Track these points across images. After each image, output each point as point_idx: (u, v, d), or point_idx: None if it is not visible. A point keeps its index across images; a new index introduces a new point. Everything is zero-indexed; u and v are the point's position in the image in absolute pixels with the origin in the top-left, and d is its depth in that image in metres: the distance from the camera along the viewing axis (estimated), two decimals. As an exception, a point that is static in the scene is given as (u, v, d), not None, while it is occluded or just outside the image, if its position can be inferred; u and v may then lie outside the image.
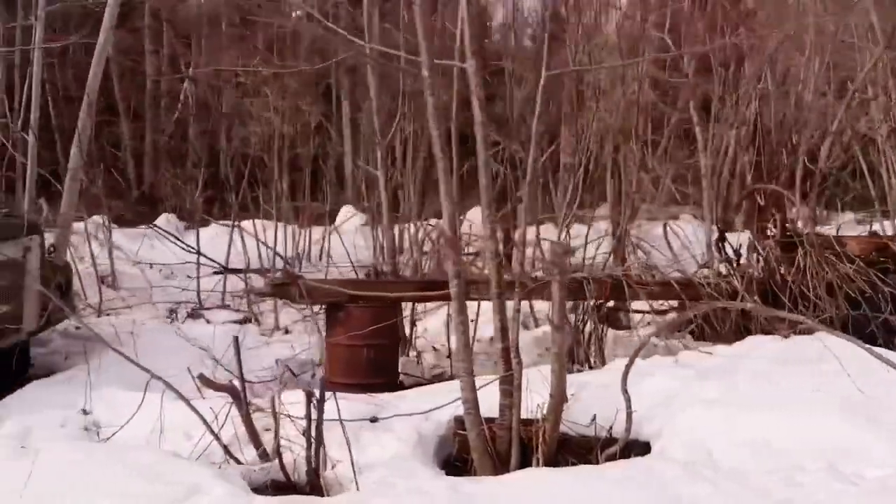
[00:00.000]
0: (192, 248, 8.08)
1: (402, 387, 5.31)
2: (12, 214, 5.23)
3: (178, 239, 8.50)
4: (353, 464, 3.62)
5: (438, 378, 5.73)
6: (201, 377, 4.00)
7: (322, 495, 3.70)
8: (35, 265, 5.28)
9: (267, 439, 3.98)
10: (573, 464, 3.96)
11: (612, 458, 3.91)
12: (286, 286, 5.18)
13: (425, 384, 5.48)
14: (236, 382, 4.02)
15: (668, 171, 7.01)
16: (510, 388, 3.97)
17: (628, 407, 3.90)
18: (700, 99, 7.60)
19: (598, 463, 3.93)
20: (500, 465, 3.90)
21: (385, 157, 6.38)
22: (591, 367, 5.98)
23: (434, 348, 6.09)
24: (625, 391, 3.91)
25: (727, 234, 6.92)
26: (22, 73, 8.94)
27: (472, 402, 3.84)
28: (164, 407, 4.26)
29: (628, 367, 3.92)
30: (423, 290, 5.32)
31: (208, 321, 7.08)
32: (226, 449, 4.00)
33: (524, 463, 3.91)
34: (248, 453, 4.05)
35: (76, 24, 10.71)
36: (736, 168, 7.01)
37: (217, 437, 4.01)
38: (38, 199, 7.21)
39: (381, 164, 6.39)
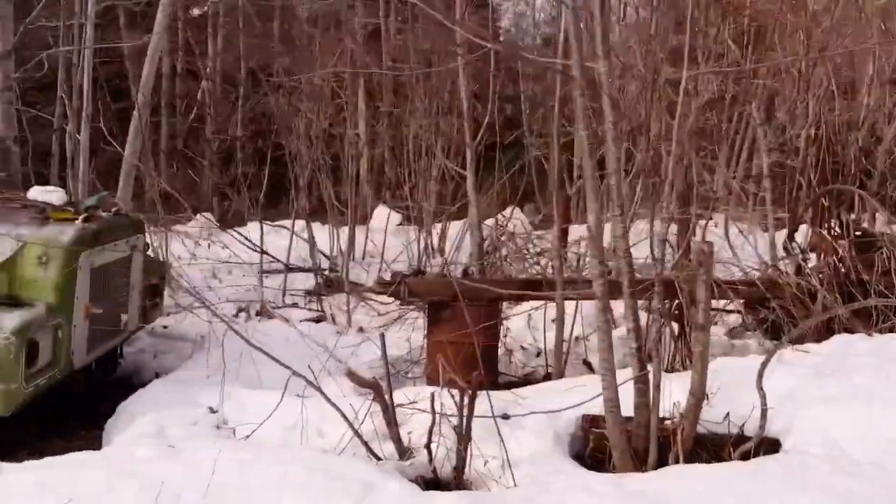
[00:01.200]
0: (256, 246, 8.12)
1: (501, 386, 5.37)
2: (122, 213, 5.25)
3: (247, 238, 8.54)
4: (507, 460, 3.69)
5: (531, 377, 5.81)
6: (349, 373, 4.06)
7: (467, 490, 3.79)
8: (139, 263, 5.32)
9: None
10: (706, 461, 4.04)
11: (746, 455, 3.99)
12: (393, 284, 5.25)
13: (519, 383, 5.56)
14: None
15: (735, 171, 7.11)
16: (645, 387, 4.04)
17: (763, 404, 3.98)
18: (764, 98, 7.69)
19: (729, 460, 4.01)
20: (638, 463, 3.97)
21: (473, 158, 6.44)
22: (673, 369, 6.06)
23: (522, 347, 6.16)
24: (760, 388, 3.99)
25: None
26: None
27: (614, 401, 3.91)
28: (291, 404, 4.33)
29: (764, 365, 4.01)
30: (524, 290, 5.39)
31: (287, 319, 7.10)
32: (366, 445, 4.07)
33: (661, 460, 3.99)
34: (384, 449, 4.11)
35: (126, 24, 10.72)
36: (804, 168, 7.08)
37: (357, 434, 4.07)
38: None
39: (470, 165, 6.44)
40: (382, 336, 4.17)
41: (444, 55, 8.19)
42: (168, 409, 4.39)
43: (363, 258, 10.90)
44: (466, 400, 3.74)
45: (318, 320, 7.37)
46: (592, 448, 4.16)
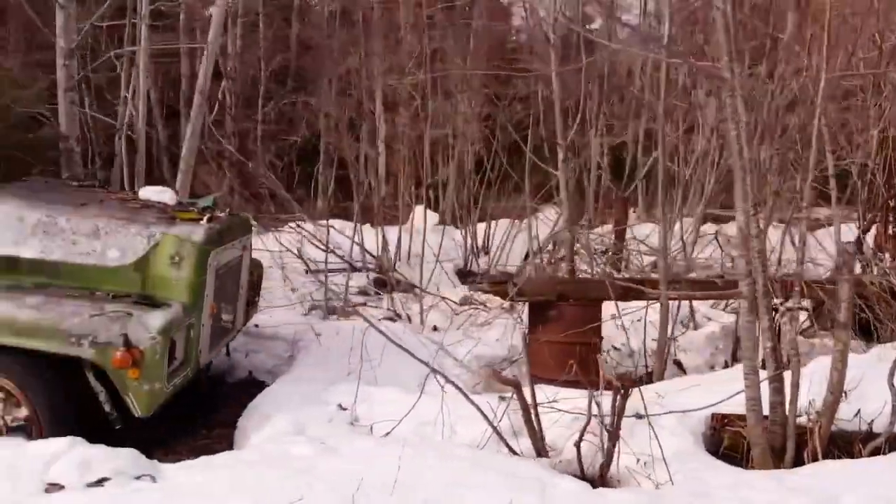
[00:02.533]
0: (332, 247, 8.16)
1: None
2: (235, 213, 5.28)
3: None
4: (663, 457, 3.76)
5: (626, 376, 5.86)
6: (492, 371, 4.13)
7: (613, 487, 3.85)
8: (247, 263, 5.36)
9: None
10: (838, 457, 4.12)
11: (876, 451, 4.08)
12: (501, 284, 5.31)
13: (615, 382, 5.61)
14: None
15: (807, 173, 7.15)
16: (781, 386, 4.12)
17: (895, 400, 4.07)
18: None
19: (860, 456, 4.10)
20: (776, 460, 4.05)
21: (565, 158, 6.50)
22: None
23: (614, 347, 6.22)
24: (892, 385, 4.07)
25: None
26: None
27: (756, 400, 3.98)
28: (422, 401, 4.39)
29: (896, 363, 4.09)
30: (628, 290, 5.45)
31: (365, 318, 7.13)
32: (506, 442, 4.13)
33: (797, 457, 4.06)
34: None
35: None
36: (875, 169, 7.17)
37: (497, 431, 4.14)
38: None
39: (562, 165, 6.50)
40: (525, 335, 4.23)
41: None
42: (300, 408, 4.43)
43: (408, 258, 10.98)
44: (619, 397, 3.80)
45: (392, 319, 7.42)
46: (726, 446, 4.22)
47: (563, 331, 5.21)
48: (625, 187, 9.59)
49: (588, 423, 3.84)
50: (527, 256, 9.49)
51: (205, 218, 4.66)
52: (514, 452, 4.09)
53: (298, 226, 8.37)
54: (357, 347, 5.47)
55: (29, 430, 4.08)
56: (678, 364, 6.00)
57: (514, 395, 4.10)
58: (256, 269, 5.80)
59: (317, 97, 16.61)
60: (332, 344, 5.81)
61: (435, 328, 7.33)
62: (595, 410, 3.94)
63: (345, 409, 4.52)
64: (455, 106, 10.62)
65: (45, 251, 4.33)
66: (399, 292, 8.40)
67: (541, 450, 4.11)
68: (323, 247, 8.23)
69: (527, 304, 5.61)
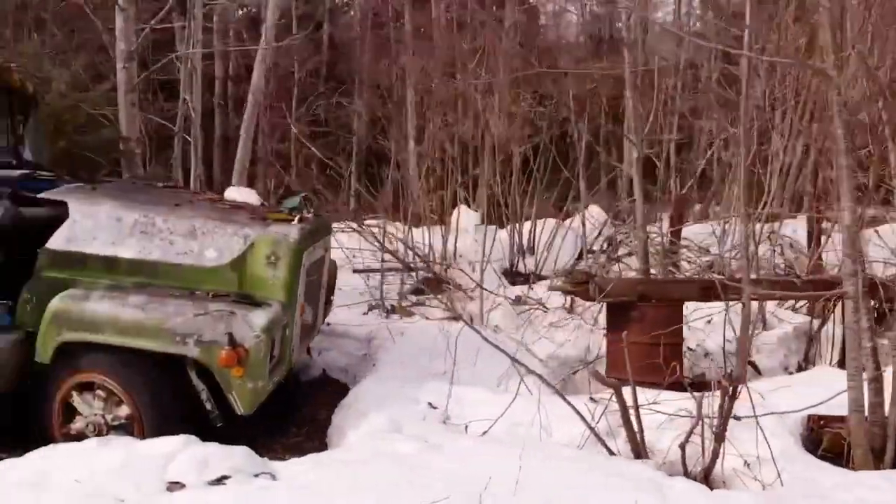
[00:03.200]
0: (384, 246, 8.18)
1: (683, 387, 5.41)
2: (318, 214, 5.32)
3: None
4: (772, 458, 3.74)
5: (702, 378, 5.84)
6: (595, 373, 4.12)
7: (718, 488, 3.84)
8: (327, 263, 5.40)
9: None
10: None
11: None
12: (583, 284, 5.30)
13: (692, 382, 5.59)
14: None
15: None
16: (881, 386, 4.08)
17: None
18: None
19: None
20: (875, 461, 4.02)
21: (639, 156, 6.49)
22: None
23: (689, 349, 6.19)
24: None
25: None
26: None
27: (859, 401, 3.96)
28: (501, 401, 4.41)
29: None
30: (708, 290, 5.43)
31: (427, 318, 7.18)
32: (603, 443, 4.13)
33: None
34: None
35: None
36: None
37: (594, 432, 4.14)
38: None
39: (636, 164, 6.49)
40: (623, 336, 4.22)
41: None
42: (392, 406, 4.46)
43: (455, 258, 11.01)
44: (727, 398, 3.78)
45: (454, 319, 7.43)
46: (825, 447, 4.20)
47: (645, 332, 5.18)
48: (680, 186, 9.55)
49: (696, 424, 3.83)
50: (580, 256, 9.49)
51: (296, 218, 4.70)
52: (612, 454, 4.09)
53: (365, 225, 8.39)
54: (432, 346, 5.57)
55: (130, 429, 4.15)
56: (753, 365, 5.97)
57: (613, 397, 4.10)
58: (332, 269, 5.84)
59: (359, 98, 16.69)
60: (405, 343, 5.84)
61: (496, 328, 7.33)
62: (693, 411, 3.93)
63: (435, 408, 4.54)
64: (502, 104, 10.64)
65: (143, 251, 4.37)
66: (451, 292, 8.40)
67: (640, 451, 4.10)
68: (406, 245, 8.26)
69: (604, 304, 5.58)
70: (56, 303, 4.10)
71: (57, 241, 4.35)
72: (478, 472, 3.35)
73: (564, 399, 4.18)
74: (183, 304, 4.10)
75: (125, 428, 4.16)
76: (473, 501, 3.03)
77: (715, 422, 3.89)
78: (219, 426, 4.13)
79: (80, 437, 4.20)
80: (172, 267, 4.38)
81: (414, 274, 8.90)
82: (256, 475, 3.39)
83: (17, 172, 4.86)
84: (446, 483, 3.28)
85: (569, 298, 7.33)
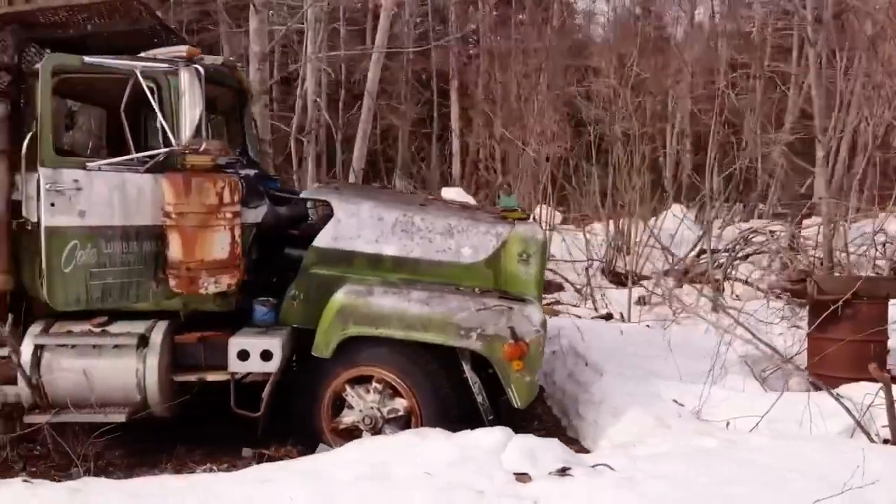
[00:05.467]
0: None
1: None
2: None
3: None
4: None
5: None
6: (874, 367, 4.20)
7: None
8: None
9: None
10: None
11: None
12: (801, 282, 5.36)
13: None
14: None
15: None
16: None
17: None
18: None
19: None
20: None
21: (826, 154, 6.55)
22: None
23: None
24: None
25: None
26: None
27: None
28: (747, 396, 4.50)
29: None
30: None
31: (579, 316, 7.25)
32: (868, 436, 4.21)
33: None
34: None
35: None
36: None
37: (860, 426, 4.22)
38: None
39: (821, 161, 6.56)
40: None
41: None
42: (643, 404, 4.51)
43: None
44: None
45: (606, 318, 7.52)
46: None
47: (857, 329, 5.24)
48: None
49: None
50: (700, 254, 9.57)
51: (531, 217, 4.78)
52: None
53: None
54: (632, 344, 5.65)
55: (405, 422, 4.23)
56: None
57: (882, 390, 4.18)
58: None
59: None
60: (602, 341, 5.92)
61: (648, 326, 7.41)
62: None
63: (681, 405, 4.61)
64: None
65: (404, 249, 4.46)
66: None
67: (899, 443, 4.18)
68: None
69: (809, 303, 5.63)
70: (341, 298, 4.17)
71: (324, 240, 4.43)
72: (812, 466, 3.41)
73: (833, 395, 4.26)
74: (464, 300, 4.18)
75: (398, 421, 4.25)
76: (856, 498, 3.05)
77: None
78: (496, 418, 4.21)
79: (349, 430, 4.30)
80: (432, 264, 4.46)
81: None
82: (593, 466, 3.45)
83: (252, 171, 4.93)
84: (786, 481, 3.32)
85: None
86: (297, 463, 3.68)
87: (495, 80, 13.69)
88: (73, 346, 4.16)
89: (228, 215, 3.99)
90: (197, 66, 3.93)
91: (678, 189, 14.61)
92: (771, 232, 8.27)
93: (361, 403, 4.26)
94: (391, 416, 4.24)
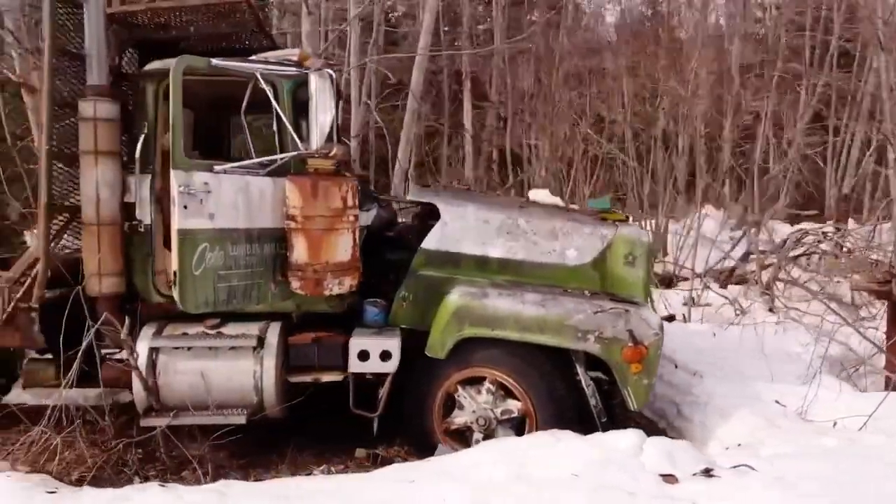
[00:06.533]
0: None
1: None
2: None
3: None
4: None
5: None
6: None
7: None
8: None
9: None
10: None
11: None
12: (887, 283, 5.39)
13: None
14: None
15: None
16: None
17: None
18: None
19: None
20: None
21: None
22: None
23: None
24: None
25: None
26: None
27: None
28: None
29: None
30: None
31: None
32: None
33: None
34: None
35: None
36: None
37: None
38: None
39: (893, 164, 6.60)
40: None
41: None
42: (747, 406, 4.52)
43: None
44: None
45: (669, 319, 7.52)
46: None
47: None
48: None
49: None
50: (746, 256, 9.59)
51: (629, 219, 4.79)
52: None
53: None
54: (715, 345, 5.66)
55: (520, 423, 4.24)
56: None
57: None
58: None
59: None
60: (682, 341, 5.94)
61: (714, 334, 7.41)
62: None
63: (783, 406, 4.62)
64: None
65: (510, 251, 4.47)
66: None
67: None
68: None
69: (887, 303, 5.67)
70: (456, 299, 4.18)
71: (431, 242, 4.44)
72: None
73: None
74: (579, 302, 4.18)
75: (511, 423, 4.25)
76: None
77: None
78: (609, 420, 4.22)
79: (461, 431, 4.31)
80: (536, 266, 4.47)
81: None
82: (734, 467, 3.46)
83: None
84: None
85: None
86: (430, 463, 3.68)
87: (539, 81, 13.71)
88: (189, 349, 4.16)
89: (351, 218, 3.99)
90: (329, 70, 3.93)
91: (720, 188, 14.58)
92: (824, 233, 8.29)
93: (474, 404, 4.27)
94: (504, 417, 4.24)
